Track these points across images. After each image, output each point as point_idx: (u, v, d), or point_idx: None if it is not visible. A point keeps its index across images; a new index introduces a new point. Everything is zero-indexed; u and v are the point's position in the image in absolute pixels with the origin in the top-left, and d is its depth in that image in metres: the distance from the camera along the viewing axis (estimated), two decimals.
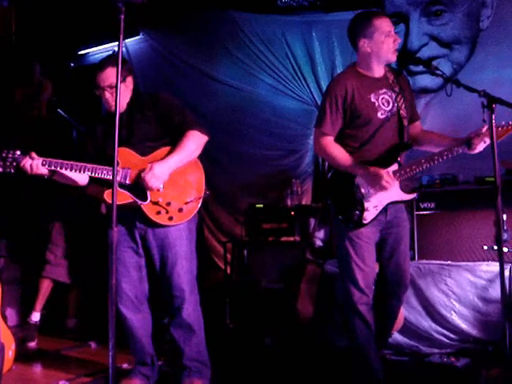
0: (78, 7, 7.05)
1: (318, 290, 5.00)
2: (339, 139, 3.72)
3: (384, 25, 3.60)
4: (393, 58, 3.67)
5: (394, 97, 3.72)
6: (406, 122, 3.77)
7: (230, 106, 7.05)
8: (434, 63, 5.37)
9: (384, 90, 3.71)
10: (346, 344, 3.95)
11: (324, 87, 6.47)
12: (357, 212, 3.64)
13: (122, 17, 2.76)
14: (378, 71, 3.72)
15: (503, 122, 3.59)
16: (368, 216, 3.66)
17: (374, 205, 3.67)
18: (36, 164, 3.51)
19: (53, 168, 3.54)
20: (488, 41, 6.10)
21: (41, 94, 6.48)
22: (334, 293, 4.77)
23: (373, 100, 3.67)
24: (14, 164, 3.48)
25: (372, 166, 3.62)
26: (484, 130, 3.52)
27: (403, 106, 3.74)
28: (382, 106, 3.68)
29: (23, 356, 4.70)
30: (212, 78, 7.15)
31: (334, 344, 4.69)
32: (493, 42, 6.05)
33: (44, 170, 3.55)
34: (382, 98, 3.69)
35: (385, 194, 3.66)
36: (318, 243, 5.57)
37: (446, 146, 3.65)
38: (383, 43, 3.60)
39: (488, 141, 3.46)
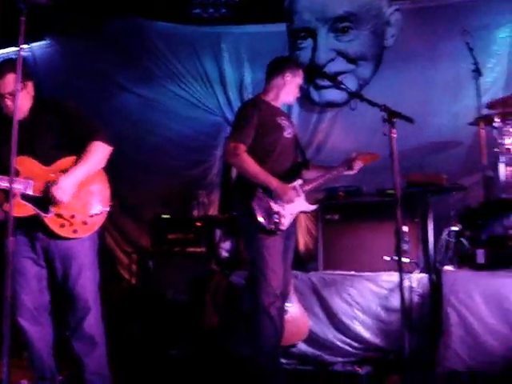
0: None
1: (224, 301, 5.00)
2: (251, 154, 3.90)
3: (301, 78, 4.19)
4: (292, 102, 4.38)
5: (289, 124, 4.12)
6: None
7: (139, 115, 6.98)
8: (341, 78, 5.60)
9: (283, 117, 4.12)
10: (250, 352, 3.99)
11: (233, 99, 6.56)
12: (276, 218, 3.86)
13: (23, 19, 2.68)
14: (280, 103, 4.19)
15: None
16: (286, 222, 3.91)
17: (289, 212, 3.94)
18: None
19: None
20: (392, 58, 6.32)
21: None
22: (239, 303, 4.78)
23: (279, 122, 4.03)
24: None
25: (280, 182, 3.91)
26: (354, 155, 4.17)
27: (295, 133, 4.17)
28: (287, 128, 4.05)
29: None
30: (121, 87, 7.06)
31: (239, 353, 4.68)
32: (397, 59, 6.28)
33: None
34: (284, 123, 4.06)
35: (295, 204, 3.96)
36: (225, 254, 5.56)
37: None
38: (295, 88, 4.16)
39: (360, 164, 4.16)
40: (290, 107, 5.83)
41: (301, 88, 4.27)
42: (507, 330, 4.08)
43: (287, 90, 4.11)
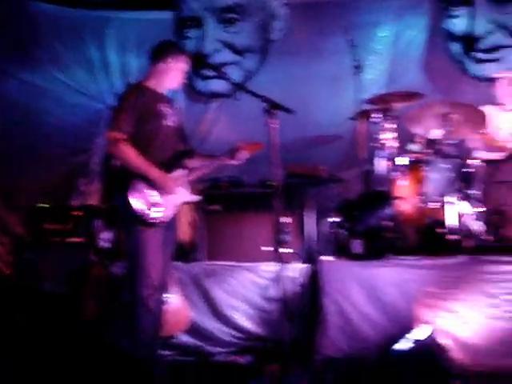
0: None
1: (104, 292, 4.89)
2: (132, 142, 3.82)
3: (187, 65, 4.09)
4: (176, 87, 4.21)
5: (172, 112, 4.04)
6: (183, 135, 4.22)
7: (24, 101, 6.68)
8: (226, 69, 5.61)
9: (166, 104, 4.02)
10: (129, 343, 3.93)
11: (116, 86, 6.44)
12: (156, 210, 3.78)
13: None
14: (164, 89, 4.08)
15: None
16: (167, 213, 3.85)
17: (171, 203, 3.88)
18: None
19: None
20: (279, 51, 6.42)
21: None
22: (119, 294, 4.69)
23: (160, 109, 3.94)
24: None
25: (162, 172, 3.83)
26: (238, 145, 4.08)
27: (179, 121, 4.13)
28: (168, 116, 3.97)
29: None
30: (3, 72, 6.73)
31: (119, 344, 4.59)
32: (283, 53, 6.39)
33: None
34: (167, 110, 3.98)
35: (177, 195, 3.90)
36: (104, 244, 5.43)
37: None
38: (179, 74, 4.07)
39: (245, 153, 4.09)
40: (175, 96, 5.79)
41: (187, 74, 4.22)
42: (382, 318, 4.23)
43: (170, 76, 4.02)
